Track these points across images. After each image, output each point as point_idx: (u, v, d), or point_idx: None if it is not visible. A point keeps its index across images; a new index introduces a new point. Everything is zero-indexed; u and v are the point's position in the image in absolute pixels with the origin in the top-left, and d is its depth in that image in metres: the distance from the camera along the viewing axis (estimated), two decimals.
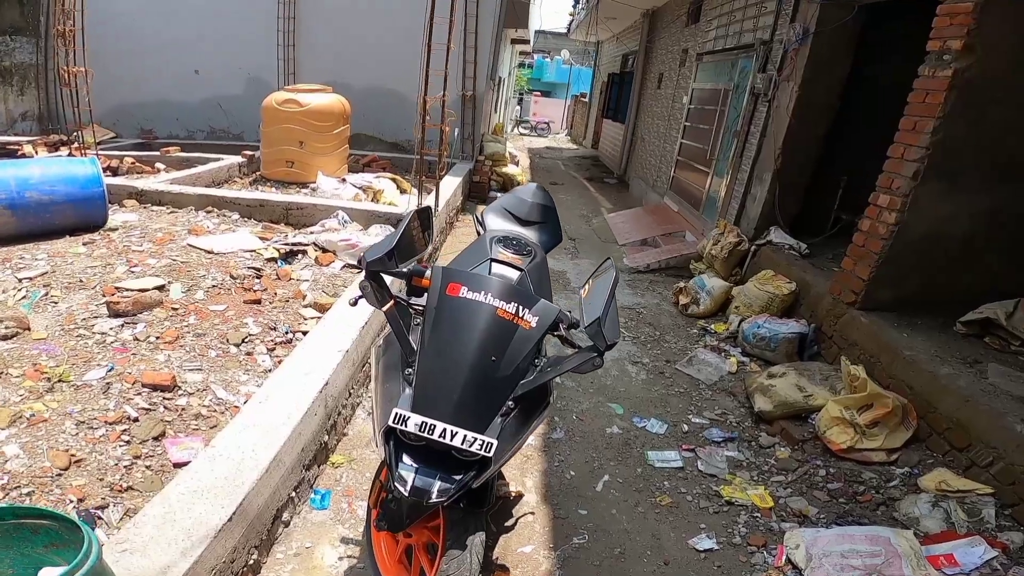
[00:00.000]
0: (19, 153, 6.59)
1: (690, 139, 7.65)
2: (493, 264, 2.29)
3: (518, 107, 27.82)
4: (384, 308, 1.71)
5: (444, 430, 1.53)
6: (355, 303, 1.92)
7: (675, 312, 5.28)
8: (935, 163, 3.36)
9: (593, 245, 7.40)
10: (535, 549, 2.41)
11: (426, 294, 1.80)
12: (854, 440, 3.08)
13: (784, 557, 2.41)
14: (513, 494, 2.68)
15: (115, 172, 6.60)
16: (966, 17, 3.14)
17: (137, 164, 6.92)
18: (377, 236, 4.71)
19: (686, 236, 6.97)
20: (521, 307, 1.72)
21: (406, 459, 1.60)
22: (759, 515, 2.70)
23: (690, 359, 4.29)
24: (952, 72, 3.19)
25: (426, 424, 1.53)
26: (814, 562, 2.31)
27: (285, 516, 2.30)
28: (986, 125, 3.34)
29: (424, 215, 2.06)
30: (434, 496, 1.55)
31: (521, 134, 24.76)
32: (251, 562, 2.05)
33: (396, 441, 1.62)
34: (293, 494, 2.35)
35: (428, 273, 1.83)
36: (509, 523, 2.53)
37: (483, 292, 1.72)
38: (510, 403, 1.66)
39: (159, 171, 6.90)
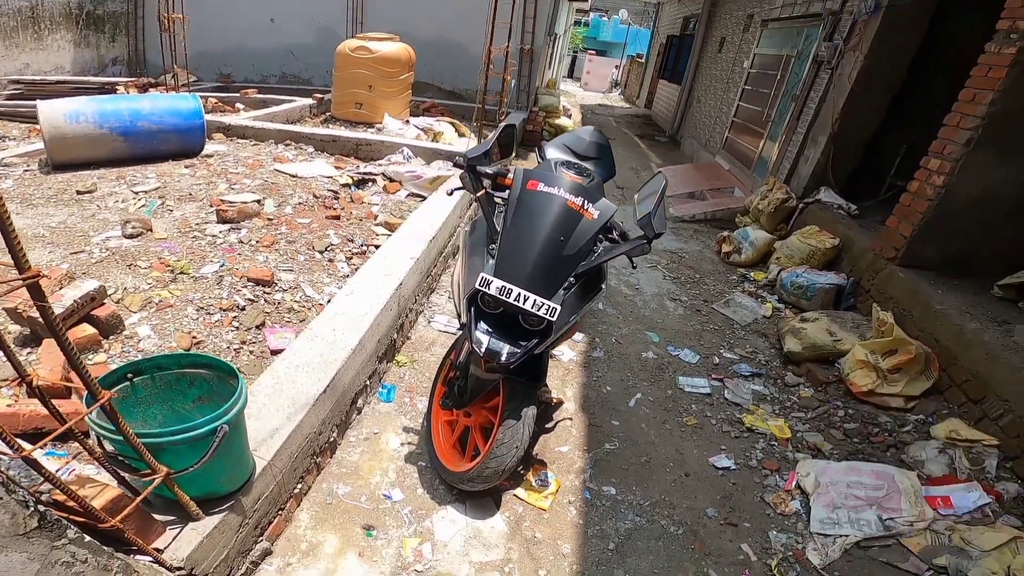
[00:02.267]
0: (115, 93, 7.22)
1: (747, 102, 7.74)
2: None
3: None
4: (477, 195, 2.13)
5: (519, 294, 1.89)
6: (451, 193, 2.38)
7: (717, 259, 5.41)
8: (990, 133, 3.48)
9: None
10: (571, 449, 2.66)
11: (508, 191, 2.17)
12: (875, 384, 3.16)
13: (795, 482, 2.59)
14: (555, 400, 2.98)
15: None
16: None
17: (220, 104, 7.49)
18: (439, 170, 5.17)
19: (735, 192, 7.01)
20: (586, 201, 2.07)
21: (482, 325, 1.98)
22: (776, 444, 2.86)
23: (727, 301, 4.45)
24: (1016, 49, 3.29)
25: (505, 288, 1.89)
26: (821, 488, 2.49)
27: (359, 403, 2.61)
28: None
29: (508, 133, 2.38)
30: (503, 357, 1.91)
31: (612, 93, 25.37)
32: (331, 440, 2.32)
33: (476, 309, 1.99)
34: (367, 382, 2.68)
35: (511, 174, 2.22)
36: (549, 425, 2.80)
37: (557, 187, 2.07)
38: (572, 279, 2.01)
39: (239, 110, 7.45)
